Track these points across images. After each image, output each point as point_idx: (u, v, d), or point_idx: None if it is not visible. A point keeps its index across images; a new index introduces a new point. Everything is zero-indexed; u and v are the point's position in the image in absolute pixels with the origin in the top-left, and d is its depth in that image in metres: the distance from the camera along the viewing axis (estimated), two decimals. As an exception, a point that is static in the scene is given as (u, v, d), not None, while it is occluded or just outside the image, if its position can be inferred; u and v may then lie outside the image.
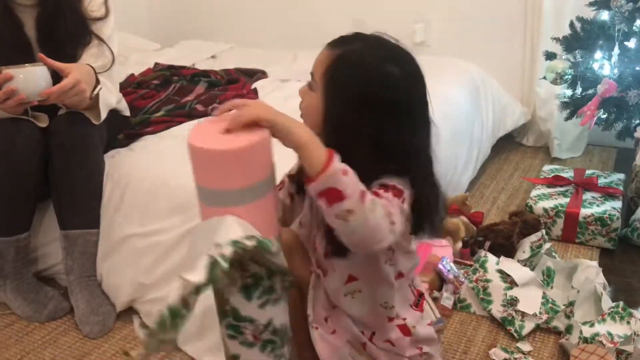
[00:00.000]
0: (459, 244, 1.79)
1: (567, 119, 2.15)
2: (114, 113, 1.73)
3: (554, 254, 1.72)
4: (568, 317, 1.46)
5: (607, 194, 1.97)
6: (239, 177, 0.85)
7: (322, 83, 0.95)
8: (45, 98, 1.42)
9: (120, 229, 1.58)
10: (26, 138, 1.53)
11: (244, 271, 0.89)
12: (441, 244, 1.76)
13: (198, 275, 0.79)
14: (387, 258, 1.02)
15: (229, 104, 0.92)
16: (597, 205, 1.89)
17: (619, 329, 1.36)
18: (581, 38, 2.04)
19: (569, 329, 1.41)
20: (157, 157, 1.67)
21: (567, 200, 1.94)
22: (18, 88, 1.39)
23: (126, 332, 1.53)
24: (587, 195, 1.97)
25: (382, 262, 1.02)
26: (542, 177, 2.14)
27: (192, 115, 1.96)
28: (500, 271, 1.56)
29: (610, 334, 1.35)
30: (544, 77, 2.12)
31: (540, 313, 1.47)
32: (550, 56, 2.11)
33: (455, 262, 1.72)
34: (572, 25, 2.07)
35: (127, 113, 1.86)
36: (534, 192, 2.02)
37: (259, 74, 2.50)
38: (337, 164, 0.86)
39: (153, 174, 1.58)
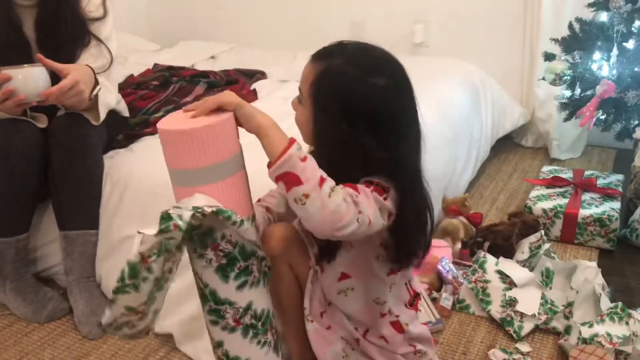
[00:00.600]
0: (458, 245, 1.79)
1: (566, 119, 2.15)
2: (113, 114, 1.73)
3: (553, 254, 1.72)
4: (567, 317, 1.47)
5: (606, 194, 1.97)
6: (198, 156, 0.89)
7: (308, 97, 0.98)
8: (44, 99, 1.42)
9: (120, 230, 1.58)
10: (25, 139, 1.53)
11: (217, 250, 0.92)
12: (440, 244, 1.76)
13: (153, 230, 0.84)
14: (377, 254, 1.03)
15: (197, 103, 0.96)
16: (596, 206, 1.89)
17: (617, 330, 1.36)
18: (580, 39, 2.04)
19: (567, 330, 1.41)
20: (156, 157, 1.65)
21: (566, 201, 1.94)
22: (17, 89, 1.39)
23: (125, 332, 1.53)
24: (586, 196, 1.97)
25: (372, 257, 1.03)
26: (541, 178, 2.14)
27: (191, 116, 1.96)
28: (500, 272, 1.57)
29: (609, 334, 1.35)
30: (543, 78, 2.12)
31: (539, 314, 1.48)
32: (549, 57, 2.12)
33: (454, 262, 1.72)
34: (571, 26, 2.07)
35: (127, 114, 1.86)
36: (533, 193, 2.02)
37: (259, 75, 2.50)
38: (296, 150, 0.89)
39: (152, 174, 1.58)
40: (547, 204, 1.93)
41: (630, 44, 1.95)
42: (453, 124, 2.09)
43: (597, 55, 2.02)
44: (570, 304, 1.49)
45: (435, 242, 1.78)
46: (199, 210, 0.86)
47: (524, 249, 1.70)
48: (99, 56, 1.65)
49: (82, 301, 1.54)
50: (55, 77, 1.46)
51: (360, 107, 0.94)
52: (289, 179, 0.88)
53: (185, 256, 0.96)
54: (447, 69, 2.47)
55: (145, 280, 0.84)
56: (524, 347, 1.43)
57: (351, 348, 1.10)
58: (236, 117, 0.93)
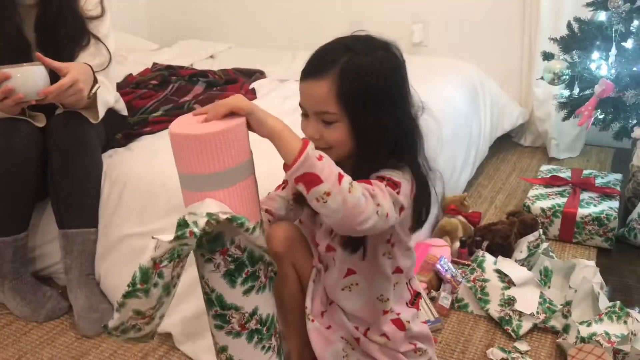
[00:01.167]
0: (457, 244, 1.79)
1: (564, 119, 2.16)
2: (112, 113, 1.73)
3: (551, 253, 1.72)
4: (565, 316, 1.47)
5: (605, 194, 1.97)
6: (211, 162, 0.88)
7: (340, 109, 0.96)
8: (43, 97, 1.42)
9: (119, 229, 1.58)
10: (24, 138, 1.52)
11: (226, 255, 0.91)
12: (439, 243, 1.76)
13: (169, 237, 0.82)
14: (386, 250, 1.04)
15: (206, 107, 0.94)
16: (595, 205, 1.90)
17: (616, 329, 1.37)
18: (579, 38, 2.04)
19: (566, 329, 1.41)
20: (155, 157, 1.67)
21: (565, 200, 1.94)
22: (16, 87, 1.39)
23: (124, 331, 1.53)
24: (585, 195, 1.97)
25: (380, 254, 1.04)
26: (539, 177, 2.15)
27: (190, 115, 1.96)
28: (498, 271, 1.57)
29: (607, 333, 1.35)
30: (542, 78, 2.12)
31: (537, 313, 1.48)
32: (547, 56, 2.12)
33: (453, 261, 1.72)
34: (569, 25, 2.07)
35: (125, 113, 1.85)
36: (532, 192, 2.03)
37: (258, 74, 2.50)
38: (311, 150, 0.89)
39: (151, 173, 1.58)
40: (546, 203, 1.93)
41: (628, 44, 1.95)
42: (452, 124, 2.09)
43: (595, 54, 2.02)
44: (568, 303, 1.50)
45: (433, 241, 1.78)
46: (214, 217, 0.85)
47: (522, 248, 1.70)
48: (97, 54, 1.65)
49: (82, 296, 1.54)
50: (54, 76, 1.46)
51: (383, 86, 0.97)
52: (308, 180, 0.87)
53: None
54: (445, 69, 2.47)
55: (156, 286, 0.84)
56: (523, 346, 1.43)
57: (351, 348, 1.10)
58: (248, 121, 0.91)
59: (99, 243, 1.61)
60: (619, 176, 2.13)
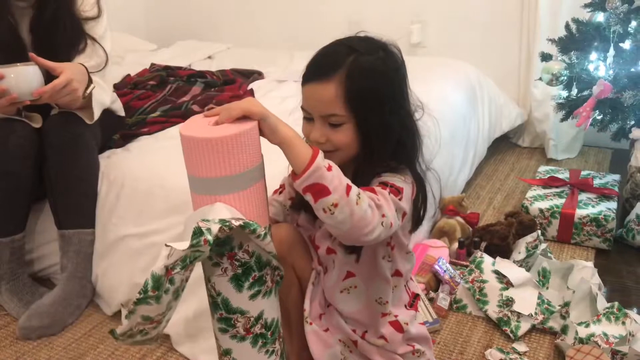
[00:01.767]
0: (455, 245, 1.79)
1: (562, 120, 2.16)
2: (109, 113, 1.73)
3: (549, 254, 1.72)
4: (564, 317, 1.47)
5: (603, 194, 1.97)
6: (223, 165, 0.87)
7: (347, 110, 0.95)
8: (38, 97, 1.42)
9: (116, 230, 1.58)
10: (19, 138, 1.52)
11: (234, 260, 0.91)
12: (437, 244, 1.76)
13: (184, 245, 0.82)
14: (385, 253, 1.04)
15: (218, 109, 0.93)
16: (593, 206, 1.90)
17: (614, 330, 1.37)
18: (577, 39, 2.04)
19: (564, 330, 1.41)
20: (153, 157, 1.67)
21: (563, 201, 1.94)
22: (10, 87, 1.39)
23: (122, 333, 1.52)
24: (583, 196, 1.97)
25: (380, 257, 1.04)
26: (537, 178, 2.15)
27: (188, 115, 1.94)
28: (496, 272, 1.57)
29: (605, 334, 1.35)
30: (540, 79, 2.12)
31: (535, 314, 1.48)
32: (545, 57, 2.12)
33: (451, 262, 1.72)
34: (567, 26, 2.07)
35: (123, 113, 1.85)
36: (530, 193, 2.03)
37: (256, 75, 2.50)
38: (321, 160, 0.88)
39: (149, 174, 1.58)
40: (544, 204, 1.93)
41: (626, 45, 1.95)
42: (450, 124, 2.09)
43: (593, 55, 2.02)
44: (566, 304, 1.50)
45: (432, 242, 1.78)
46: (227, 223, 0.85)
47: (520, 249, 1.70)
48: (94, 55, 1.64)
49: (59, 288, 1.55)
50: (49, 76, 1.45)
51: (388, 86, 0.97)
52: (316, 190, 0.87)
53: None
54: (444, 69, 2.47)
55: (167, 292, 0.83)
56: (521, 347, 1.43)
57: (349, 350, 1.10)
58: (259, 126, 0.90)
59: (97, 244, 1.60)
60: (617, 177, 2.13)
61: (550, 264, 1.64)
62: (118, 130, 1.81)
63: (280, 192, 1.17)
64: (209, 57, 2.95)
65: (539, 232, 1.75)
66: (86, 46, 1.63)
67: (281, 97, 2.10)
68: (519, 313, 1.48)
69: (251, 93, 2.25)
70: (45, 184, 1.58)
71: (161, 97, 2.13)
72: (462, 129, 2.22)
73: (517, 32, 2.69)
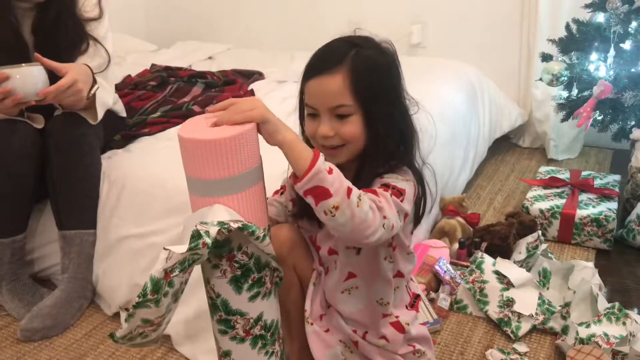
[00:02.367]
0: (456, 245, 1.79)
1: (563, 120, 2.16)
2: (110, 114, 1.73)
3: (550, 255, 1.72)
4: (564, 318, 1.47)
5: (603, 195, 1.97)
6: (222, 167, 0.87)
7: (355, 101, 0.96)
8: (43, 98, 1.42)
9: (117, 230, 1.58)
10: (22, 139, 1.52)
11: (233, 261, 0.91)
12: (438, 245, 1.76)
13: (182, 249, 0.82)
14: (387, 254, 1.04)
15: (222, 104, 0.93)
16: (593, 207, 1.90)
17: (614, 330, 1.37)
18: (577, 40, 2.04)
19: (565, 330, 1.41)
20: (153, 158, 1.67)
21: (563, 201, 1.94)
22: (15, 88, 1.39)
23: (123, 333, 1.53)
24: (583, 197, 1.97)
25: (381, 257, 1.04)
26: (538, 178, 2.15)
27: (188, 116, 1.95)
28: (497, 272, 1.57)
29: (606, 334, 1.35)
30: (540, 79, 2.12)
31: (536, 314, 1.48)
32: (546, 58, 2.12)
33: (451, 263, 1.72)
34: (568, 27, 2.07)
35: (124, 114, 1.85)
36: (530, 194, 2.03)
37: (256, 75, 2.50)
38: (322, 163, 0.88)
39: (150, 175, 1.58)
40: (545, 205, 1.93)
41: (627, 45, 1.95)
42: (450, 125, 2.09)
43: (594, 56, 2.02)
44: (567, 304, 1.50)
45: (432, 242, 1.78)
46: (225, 226, 0.85)
47: (521, 250, 1.70)
48: (96, 56, 1.65)
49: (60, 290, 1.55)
50: (53, 77, 1.45)
51: (389, 78, 1.00)
52: (317, 193, 0.87)
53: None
54: (444, 70, 2.47)
55: (166, 295, 0.83)
56: (522, 347, 1.43)
57: (350, 351, 1.10)
58: (259, 128, 0.90)
59: (98, 244, 1.60)
60: (617, 177, 2.13)
61: (551, 265, 1.64)
62: (119, 131, 1.81)
63: (281, 193, 1.17)
64: (210, 58, 2.95)
65: (540, 232, 1.75)
66: (88, 47, 1.63)
67: (281, 97, 2.10)
68: (520, 313, 1.48)
69: (252, 93, 2.26)
70: (47, 185, 1.58)
71: (162, 97, 2.13)
72: (462, 130, 2.22)
73: (517, 32, 2.69)
